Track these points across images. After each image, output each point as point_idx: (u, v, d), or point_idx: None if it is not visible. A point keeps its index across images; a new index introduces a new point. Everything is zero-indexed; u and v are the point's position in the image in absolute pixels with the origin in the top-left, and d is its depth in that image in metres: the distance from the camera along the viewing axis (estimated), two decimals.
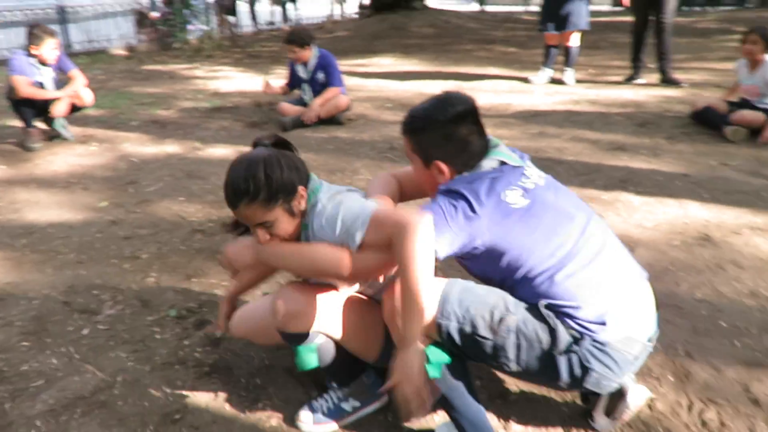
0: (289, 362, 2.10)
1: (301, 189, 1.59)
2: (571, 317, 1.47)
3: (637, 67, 6.17)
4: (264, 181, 1.52)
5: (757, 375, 1.93)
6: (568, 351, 1.47)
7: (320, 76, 5.11)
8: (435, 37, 10.65)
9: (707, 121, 4.51)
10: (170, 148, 4.69)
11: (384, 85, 6.73)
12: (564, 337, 1.47)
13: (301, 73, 5.16)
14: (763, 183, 3.44)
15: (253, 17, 14.42)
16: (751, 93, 4.35)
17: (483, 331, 1.50)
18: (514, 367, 1.53)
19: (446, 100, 1.67)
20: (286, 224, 1.58)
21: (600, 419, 1.72)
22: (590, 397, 1.77)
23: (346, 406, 1.82)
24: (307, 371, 1.75)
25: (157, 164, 4.28)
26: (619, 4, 13.77)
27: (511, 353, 1.51)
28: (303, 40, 4.98)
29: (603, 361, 1.47)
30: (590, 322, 1.47)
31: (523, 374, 1.58)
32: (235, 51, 10.57)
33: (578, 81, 6.38)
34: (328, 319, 1.67)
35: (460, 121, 1.64)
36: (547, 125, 4.79)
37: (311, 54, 5.04)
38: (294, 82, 5.29)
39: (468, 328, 1.51)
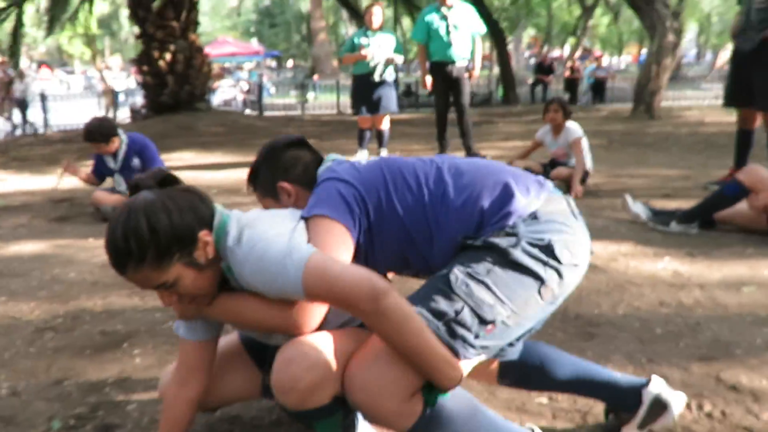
0: None
1: (203, 234, 1.26)
2: (487, 223, 1.38)
3: (443, 144, 6.69)
4: (149, 237, 1.20)
5: (718, 366, 2.02)
6: (517, 245, 1.33)
7: (135, 162, 4.59)
8: (228, 134, 10.45)
9: None
10: None
11: (199, 174, 6.32)
12: (502, 240, 1.35)
13: (111, 164, 4.59)
14: (604, 222, 3.85)
15: None
16: (559, 155, 4.94)
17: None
18: (504, 311, 1.32)
19: (272, 139, 1.68)
20: (192, 280, 1.26)
21: None
22: (622, 415, 1.64)
23: None
24: None
25: None
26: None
27: (490, 299, 1.31)
28: (106, 134, 4.39)
29: (549, 229, 1.37)
30: (501, 209, 1.38)
31: (515, 315, 1.34)
32: None
33: None
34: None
35: (288, 145, 1.65)
36: None
37: (119, 143, 4.51)
38: (102, 173, 4.68)
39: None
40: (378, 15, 6.30)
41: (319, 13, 28.50)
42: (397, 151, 7.41)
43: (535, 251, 1.34)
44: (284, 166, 1.61)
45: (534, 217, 1.38)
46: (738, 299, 2.56)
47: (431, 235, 1.42)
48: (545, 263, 1.34)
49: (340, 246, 1.36)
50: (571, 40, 36.02)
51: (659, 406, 1.55)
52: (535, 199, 1.41)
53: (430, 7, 6.30)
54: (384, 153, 6.62)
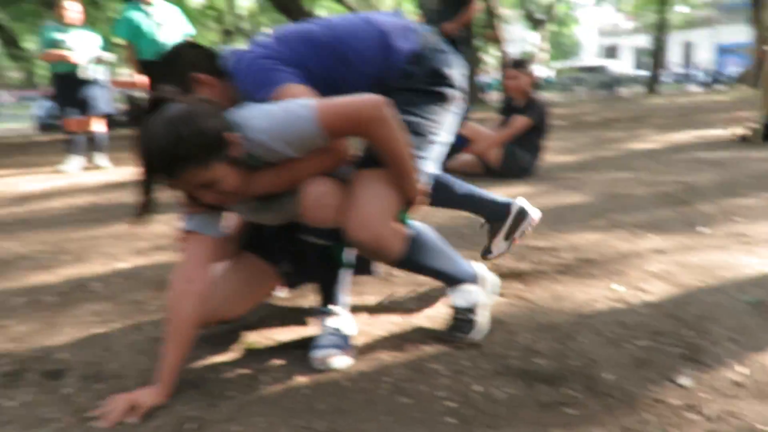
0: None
1: (228, 136, 1.38)
2: (393, 62, 1.61)
3: None
4: (198, 139, 1.30)
5: None
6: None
7: None
8: None
9: None
10: None
11: None
12: (416, 81, 1.62)
13: None
14: None
15: None
16: None
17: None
18: (437, 131, 1.64)
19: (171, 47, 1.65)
20: (232, 176, 1.40)
21: (499, 244, 2.08)
22: (492, 225, 2.07)
23: (349, 322, 1.71)
24: None
25: None
26: None
27: (429, 125, 1.61)
28: None
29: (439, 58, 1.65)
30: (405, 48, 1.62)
31: (444, 132, 1.66)
32: None
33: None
34: None
35: (186, 46, 1.65)
36: None
37: None
38: None
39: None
40: (73, 10, 5.80)
41: None
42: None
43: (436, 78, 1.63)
44: (191, 62, 1.57)
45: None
46: None
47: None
48: (447, 85, 1.65)
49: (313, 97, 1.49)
50: None
51: (522, 215, 2.05)
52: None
53: (132, 4, 6.05)
54: (102, 160, 6.12)
